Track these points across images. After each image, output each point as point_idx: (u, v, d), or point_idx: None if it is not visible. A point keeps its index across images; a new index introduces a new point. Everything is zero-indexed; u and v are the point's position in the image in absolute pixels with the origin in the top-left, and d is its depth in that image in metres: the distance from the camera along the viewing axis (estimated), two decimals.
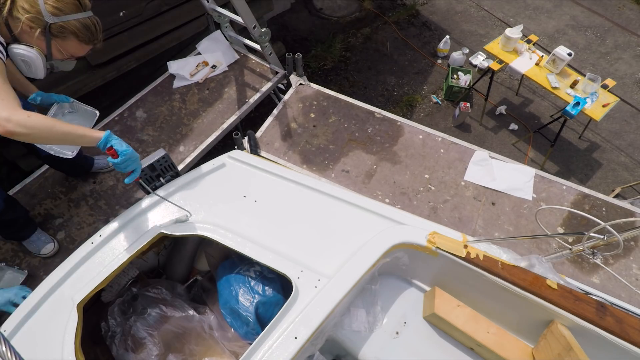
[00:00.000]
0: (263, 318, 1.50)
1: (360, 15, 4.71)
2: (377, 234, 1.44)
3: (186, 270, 1.83)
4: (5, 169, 2.88)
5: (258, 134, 2.53)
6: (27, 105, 1.69)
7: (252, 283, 1.54)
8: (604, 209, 2.24)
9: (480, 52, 4.34)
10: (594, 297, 1.29)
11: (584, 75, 3.17)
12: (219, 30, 2.91)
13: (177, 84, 2.73)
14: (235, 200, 1.60)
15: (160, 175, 1.64)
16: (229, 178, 1.67)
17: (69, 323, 1.29)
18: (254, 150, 2.41)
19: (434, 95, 4.06)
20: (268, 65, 2.84)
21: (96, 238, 1.47)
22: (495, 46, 3.48)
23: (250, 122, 3.11)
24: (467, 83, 3.89)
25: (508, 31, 3.34)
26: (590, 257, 1.20)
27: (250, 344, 1.21)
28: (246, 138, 2.45)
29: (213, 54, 2.86)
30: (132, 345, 1.45)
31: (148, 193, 1.59)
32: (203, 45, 2.90)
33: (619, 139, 3.75)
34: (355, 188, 2.30)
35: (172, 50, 3.09)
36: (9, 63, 1.33)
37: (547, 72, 3.29)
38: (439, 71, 4.27)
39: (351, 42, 4.44)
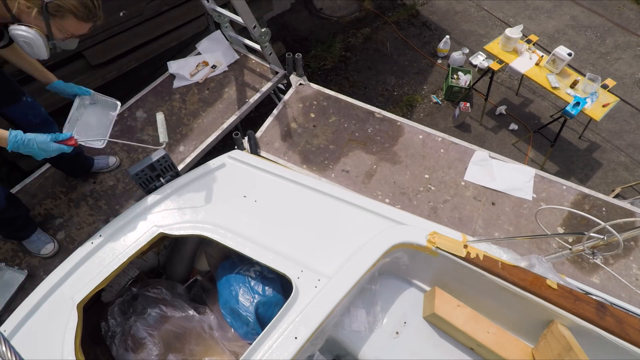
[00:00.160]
0: (263, 318, 1.50)
1: (360, 15, 4.71)
2: (377, 234, 1.44)
3: (186, 270, 1.83)
4: (5, 169, 2.87)
5: (258, 134, 2.53)
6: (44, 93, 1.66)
7: (252, 283, 1.54)
8: (604, 209, 2.24)
9: (480, 52, 4.34)
10: (594, 297, 1.29)
11: (584, 75, 3.17)
12: (219, 30, 2.92)
13: (177, 84, 2.73)
14: (235, 200, 1.60)
15: (160, 175, 1.64)
16: (229, 178, 1.67)
17: (69, 323, 1.29)
18: (254, 150, 2.41)
19: (434, 95, 4.06)
20: (268, 65, 2.84)
21: (96, 238, 1.48)
22: (495, 46, 3.48)
23: (250, 122, 3.10)
24: (467, 83, 3.89)
25: (508, 31, 3.34)
26: (590, 257, 1.20)
27: (250, 344, 1.21)
28: (246, 138, 2.45)
29: (213, 54, 2.86)
30: (132, 345, 1.45)
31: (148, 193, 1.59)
32: (203, 45, 2.91)
33: (619, 139, 3.74)
34: (355, 188, 2.30)
35: (172, 50, 3.09)
36: (19, 49, 1.30)
37: (547, 72, 3.28)
38: (439, 71, 4.27)
39: (351, 42, 4.44)
